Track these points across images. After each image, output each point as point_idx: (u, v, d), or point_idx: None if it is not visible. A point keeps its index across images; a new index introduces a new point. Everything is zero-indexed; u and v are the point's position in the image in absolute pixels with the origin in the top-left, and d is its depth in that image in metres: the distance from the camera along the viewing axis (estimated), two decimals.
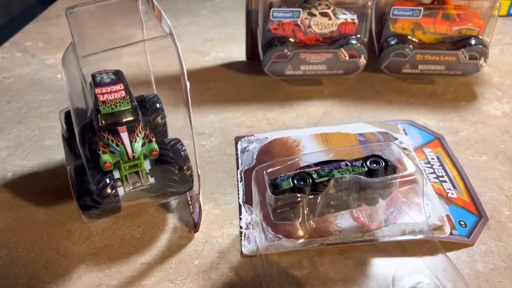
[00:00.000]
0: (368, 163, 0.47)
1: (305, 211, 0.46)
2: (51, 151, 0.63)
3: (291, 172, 0.46)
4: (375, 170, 0.46)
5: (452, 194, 0.55)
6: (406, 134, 0.64)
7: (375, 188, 0.47)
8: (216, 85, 0.78)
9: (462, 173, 0.58)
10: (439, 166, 0.59)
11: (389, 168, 0.47)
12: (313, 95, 0.76)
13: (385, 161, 0.47)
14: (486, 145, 0.65)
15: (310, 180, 0.45)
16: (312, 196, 0.45)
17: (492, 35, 0.76)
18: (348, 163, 0.47)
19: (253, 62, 0.83)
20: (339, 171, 0.46)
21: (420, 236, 0.49)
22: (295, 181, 0.45)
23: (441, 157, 0.60)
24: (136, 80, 0.66)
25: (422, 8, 0.72)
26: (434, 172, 0.58)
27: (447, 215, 0.52)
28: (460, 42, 0.75)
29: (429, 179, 0.57)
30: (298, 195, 0.44)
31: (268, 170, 0.47)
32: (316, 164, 0.47)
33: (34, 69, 0.82)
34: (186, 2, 1.09)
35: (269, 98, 0.75)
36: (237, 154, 0.62)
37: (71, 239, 0.50)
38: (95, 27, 0.65)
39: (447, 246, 0.49)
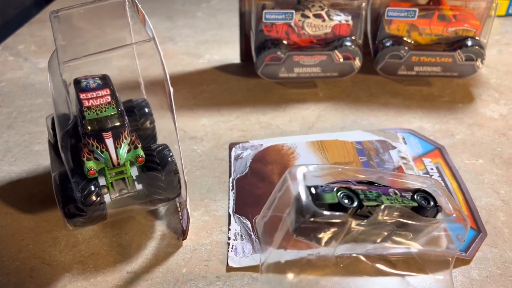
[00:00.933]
0: (417, 197, 0.42)
1: (337, 237, 0.40)
2: (40, 156, 0.62)
3: (333, 184, 0.39)
4: (424, 209, 0.42)
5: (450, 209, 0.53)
6: (405, 143, 0.63)
7: (415, 229, 0.43)
8: (209, 88, 0.77)
9: (462, 185, 0.56)
10: (439, 177, 0.57)
11: (436, 208, 0.43)
12: (308, 97, 0.75)
13: (434, 200, 0.43)
14: (482, 148, 0.64)
15: (357, 201, 0.38)
16: (361, 222, 0.38)
17: (489, 36, 0.75)
18: (397, 192, 0.42)
19: (247, 65, 0.82)
20: (388, 199, 0.40)
21: (414, 250, 0.47)
22: (341, 197, 0.38)
23: (441, 168, 0.59)
24: (128, 84, 0.65)
25: (417, 9, 0.71)
26: (430, 187, 0.56)
27: (444, 229, 0.50)
28: (456, 43, 0.74)
29: None
30: (348, 217, 0.37)
31: (303, 171, 0.40)
32: (359, 183, 0.41)
33: (26, 73, 0.82)
34: (182, 4, 1.08)
35: (263, 101, 0.74)
36: (230, 161, 0.61)
37: (57, 247, 0.49)
38: (82, 30, 0.65)
39: (442, 260, 0.47)
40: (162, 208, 0.53)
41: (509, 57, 0.86)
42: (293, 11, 0.71)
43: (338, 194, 0.39)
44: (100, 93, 0.48)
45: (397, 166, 0.58)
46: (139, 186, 0.48)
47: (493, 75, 0.80)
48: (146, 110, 0.55)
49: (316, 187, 0.39)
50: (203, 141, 0.65)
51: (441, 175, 0.57)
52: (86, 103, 0.47)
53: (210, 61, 0.85)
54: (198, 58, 0.86)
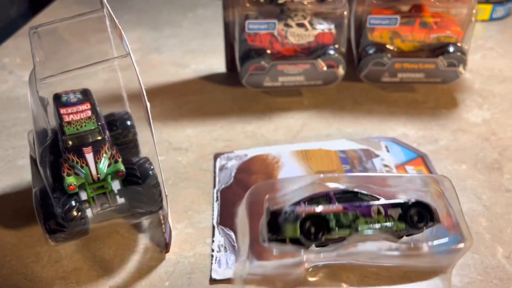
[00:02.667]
0: (410, 213, 0.37)
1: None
2: (23, 171, 0.62)
3: (301, 207, 0.35)
4: (415, 229, 0.37)
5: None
6: (388, 151, 0.63)
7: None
8: (194, 98, 0.77)
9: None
10: None
11: (433, 219, 0.38)
12: (293, 106, 0.75)
13: (431, 212, 0.38)
14: (465, 153, 0.64)
15: (324, 232, 0.34)
16: (322, 256, 0.35)
17: (470, 41, 0.75)
18: (382, 210, 0.36)
19: (233, 74, 0.82)
20: (366, 222, 0.35)
21: (396, 254, 0.48)
22: (305, 227, 0.34)
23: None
24: (113, 96, 0.65)
25: (398, 17, 0.72)
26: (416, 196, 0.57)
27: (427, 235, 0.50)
28: (438, 49, 0.75)
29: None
30: (303, 254, 0.35)
31: (271, 196, 0.37)
32: (338, 195, 0.37)
33: (11, 86, 0.82)
34: (168, 14, 1.09)
35: (248, 110, 0.74)
36: (215, 172, 0.61)
37: (40, 263, 0.49)
38: (66, 44, 0.65)
39: (425, 268, 0.48)
40: (145, 221, 0.53)
41: (492, 61, 0.87)
42: (276, 21, 0.71)
43: (305, 224, 0.34)
44: (81, 107, 0.48)
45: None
46: (121, 200, 0.48)
47: (477, 80, 0.81)
48: (128, 123, 0.55)
49: (278, 213, 0.35)
50: (188, 152, 0.65)
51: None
52: (66, 118, 0.47)
53: (196, 71, 0.85)
54: (184, 68, 0.86)
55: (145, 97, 0.41)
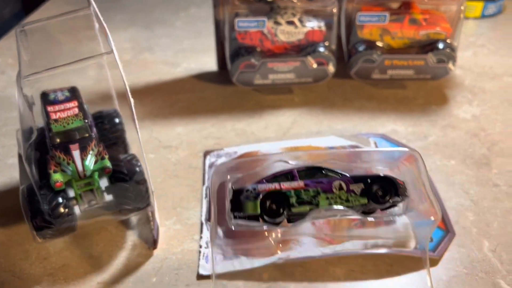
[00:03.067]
0: (372, 190, 0.36)
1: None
2: (13, 170, 0.62)
3: (263, 185, 0.36)
4: (378, 204, 0.36)
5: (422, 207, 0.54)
6: (377, 147, 0.63)
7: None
8: (186, 97, 0.78)
9: (432, 187, 0.57)
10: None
11: (398, 194, 0.37)
12: (283, 103, 0.75)
13: (395, 187, 0.37)
14: (454, 149, 0.64)
15: (285, 209, 0.35)
16: (281, 231, 0.36)
17: (459, 38, 0.76)
18: (344, 185, 0.36)
19: (224, 72, 0.82)
20: (327, 197, 0.35)
21: (382, 251, 0.48)
22: (266, 205, 0.35)
23: (412, 172, 0.59)
24: (104, 93, 0.65)
25: (387, 14, 0.72)
26: None
27: (412, 229, 0.51)
28: (428, 46, 0.75)
29: None
30: (265, 228, 0.35)
31: (233, 175, 0.37)
32: (300, 172, 0.37)
33: (2, 87, 0.82)
34: (161, 13, 1.09)
35: (239, 108, 0.74)
36: (204, 169, 0.61)
37: (28, 260, 0.49)
38: (56, 41, 0.65)
39: (411, 260, 0.48)
40: (134, 218, 0.53)
41: (483, 58, 0.87)
42: (265, 19, 0.71)
43: (265, 202, 0.35)
44: (68, 105, 0.48)
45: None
46: (109, 197, 0.48)
47: (467, 77, 0.81)
48: (117, 120, 0.55)
49: (241, 192, 0.36)
50: (178, 150, 0.65)
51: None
52: (53, 116, 0.47)
53: (187, 70, 0.85)
54: (176, 67, 0.87)
55: (129, 94, 0.41)
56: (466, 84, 0.79)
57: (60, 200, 0.45)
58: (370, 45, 0.75)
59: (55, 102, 0.48)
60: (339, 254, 0.48)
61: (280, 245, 0.44)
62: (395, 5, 0.77)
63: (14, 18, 1.19)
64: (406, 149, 0.38)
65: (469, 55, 0.88)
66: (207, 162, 0.62)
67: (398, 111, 0.73)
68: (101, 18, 0.43)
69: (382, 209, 0.39)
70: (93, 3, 0.47)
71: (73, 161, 0.45)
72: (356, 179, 0.36)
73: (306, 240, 0.49)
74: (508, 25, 0.99)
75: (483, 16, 1.02)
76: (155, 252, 0.50)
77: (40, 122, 0.49)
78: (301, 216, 0.35)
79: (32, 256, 0.50)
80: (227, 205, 0.36)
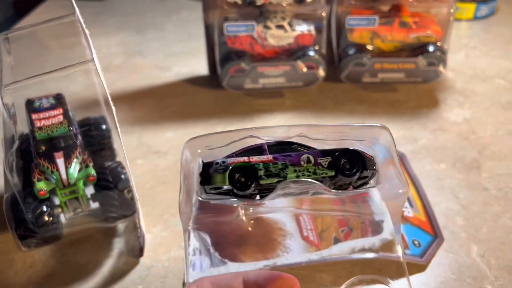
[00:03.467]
0: (340, 163, 0.36)
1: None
2: None
3: (232, 158, 0.36)
4: (346, 177, 0.36)
5: (408, 212, 0.54)
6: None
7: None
8: (176, 101, 0.77)
9: (421, 192, 0.57)
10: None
11: (367, 164, 0.37)
12: (274, 107, 0.75)
13: (363, 160, 0.36)
14: (444, 153, 0.64)
15: (253, 181, 0.35)
16: (248, 204, 0.37)
17: (450, 40, 0.76)
18: (312, 158, 0.36)
19: (215, 76, 0.82)
20: (295, 170, 0.35)
21: (370, 255, 0.48)
22: (235, 177, 0.35)
23: None
24: (93, 100, 0.65)
25: (377, 17, 0.72)
26: None
27: (400, 234, 0.51)
28: (418, 49, 0.75)
29: None
30: (233, 202, 0.35)
31: (204, 150, 0.36)
32: (270, 147, 0.37)
33: None
34: (152, 17, 1.09)
35: (230, 112, 0.74)
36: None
37: (13, 269, 0.49)
38: (41, 49, 0.65)
39: (400, 265, 0.47)
40: (121, 225, 0.53)
41: (475, 60, 0.87)
42: (254, 23, 0.71)
43: (234, 174, 0.35)
44: (53, 113, 0.48)
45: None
46: (95, 205, 0.48)
47: (459, 79, 0.81)
48: (104, 127, 0.55)
49: (210, 165, 0.36)
50: (167, 155, 0.65)
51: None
52: (37, 124, 0.47)
53: (178, 74, 0.85)
54: (166, 71, 0.86)
55: (111, 102, 0.41)
56: (457, 86, 0.79)
57: (44, 208, 0.45)
58: (360, 48, 0.75)
59: (39, 109, 0.48)
60: (326, 260, 0.47)
61: (252, 222, 0.44)
62: (385, 8, 0.77)
63: (7, 22, 1.19)
64: (376, 123, 0.38)
65: (461, 57, 0.88)
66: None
67: (389, 114, 0.72)
68: (84, 26, 0.43)
69: (354, 186, 0.39)
70: (77, 10, 0.47)
71: (57, 169, 0.44)
72: (324, 153, 0.36)
73: (293, 246, 0.49)
74: (500, 26, 0.99)
75: (475, 18, 1.02)
76: (142, 260, 0.49)
77: (25, 129, 0.49)
78: (271, 190, 0.35)
79: (17, 265, 0.49)
80: (196, 179, 0.36)
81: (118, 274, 0.48)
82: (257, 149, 0.37)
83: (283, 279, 0.32)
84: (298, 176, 0.35)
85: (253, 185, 0.35)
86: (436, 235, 0.51)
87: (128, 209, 0.48)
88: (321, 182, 0.37)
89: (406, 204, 0.55)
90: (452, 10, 0.72)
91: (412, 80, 0.76)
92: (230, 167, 0.35)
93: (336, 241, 0.50)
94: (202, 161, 0.36)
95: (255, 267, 0.47)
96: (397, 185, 0.37)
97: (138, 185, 0.57)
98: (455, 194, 0.57)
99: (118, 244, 0.51)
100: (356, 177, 0.36)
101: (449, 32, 0.75)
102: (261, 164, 0.35)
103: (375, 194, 0.55)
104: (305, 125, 0.38)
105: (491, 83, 0.80)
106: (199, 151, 0.37)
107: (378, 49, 0.76)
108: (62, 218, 0.47)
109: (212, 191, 0.36)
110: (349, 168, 0.36)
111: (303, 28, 0.73)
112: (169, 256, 0.50)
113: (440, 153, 0.64)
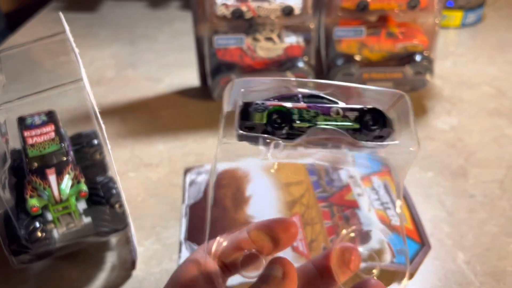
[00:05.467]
0: (365, 118, 0.39)
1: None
2: None
3: (271, 101, 0.39)
4: (368, 131, 0.39)
5: (396, 221, 0.55)
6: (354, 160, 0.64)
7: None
8: (167, 113, 0.78)
9: (408, 200, 0.58)
10: (385, 193, 0.59)
11: (386, 126, 0.39)
12: None
13: (385, 119, 0.39)
14: (432, 161, 0.65)
15: (288, 124, 0.38)
16: (282, 145, 0.38)
17: (436, 49, 0.77)
18: (340, 111, 0.39)
19: (206, 88, 0.83)
20: (325, 119, 0.39)
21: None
22: (272, 118, 0.37)
23: (388, 185, 0.60)
24: (86, 114, 0.66)
25: (364, 28, 0.73)
26: (379, 199, 0.58)
27: (387, 243, 0.52)
28: (406, 58, 0.76)
29: (373, 206, 0.57)
30: (267, 140, 0.37)
31: (246, 91, 0.39)
32: (305, 97, 0.40)
33: None
34: (145, 28, 1.10)
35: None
36: (184, 187, 0.62)
37: (8, 284, 0.50)
38: (33, 65, 0.66)
39: (385, 274, 0.48)
40: (113, 239, 0.54)
41: (462, 68, 0.89)
42: (243, 36, 0.72)
43: (272, 114, 0.38)
44: (44, 129, 0.49)
45: (345, 185, 0.60)
46: (87, 219, 0.49)
47: (447, 87, 0.83)
48: (95, 141, 0.55)
49: (250, 104, 0.38)
50: (159, 168, 0.66)
51: (387, 192, 0.59)
52: (29, 141, 0.47)
53: (170, 86, 0.86)
54: (158, 82, 0.87)
55: (100, 120, 0.42)
56: (445, 94, 0.81)
57: (37, 224, 0.46)
58: (349, 58, 0.76)
59: (31, 126, 0.49)
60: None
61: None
62: (372, 19, 0.78)
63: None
64: (396, 90, 0.42)
65: (449, 65, 0.90)
66: (188, 180, 0.63)
67: None
68: (73, 45, 0.44)
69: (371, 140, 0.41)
70: (67, 29, 0.48)
71: (49, 186, 0.45)
72: (352, 108, 0.39)
73: (285, 255, 0.50)
74: (487, 33, 1.01)
75: (463, 25, 1.04)
76: (134, 273, 0.50)
77: (17, 145, 0.50)
78: (301, 133, 0.38)
79: (12, 280, 0.50)
80: (236, 115, 0.38)
81: (111, 287, 0.49)
82: (293, 97, 0.40)
83: (286, 221, 0.39)
84: (327, 124, 0.38)
85: (287, 127, 0.37)
86: (423, 243, 0.52)
87: (120, 223, 0.49)
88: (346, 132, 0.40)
89: (393, 212, 0.56)
90: (437, 20, 0.73)
91: (400, 89, 0.77)
92: (269, 109, 0.38)
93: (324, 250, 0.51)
94: (243, 101, 0.38)
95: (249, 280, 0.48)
96: (408, 143, 0.40)
97: (130, 197, 0.58)
98: (442, 201, 0.58)
99: (111, 258, 0.52)
100: (377, 133, 0.39)
101: (435, 41, 0.76)
102: (295, 110, 0.38)
103: (363, 202, 0.56)
104: (338, 83, 0.42)
105: (478, 90, 0.81)
106: (242, 90, 0.39)
107: (366, 59, 0.77)
108: (55, 233, 0.48)
109: (246, 130, 0.38)
110: (372, 124, 0.39)
111: (292, 39, 0.75)
112: (161, 268, 0.50)
113: (427, 161, 0.65)
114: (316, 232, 0.54)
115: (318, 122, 0.38)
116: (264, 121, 0.37)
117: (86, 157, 0.54)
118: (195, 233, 0.54)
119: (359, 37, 0.74)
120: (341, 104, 0.40)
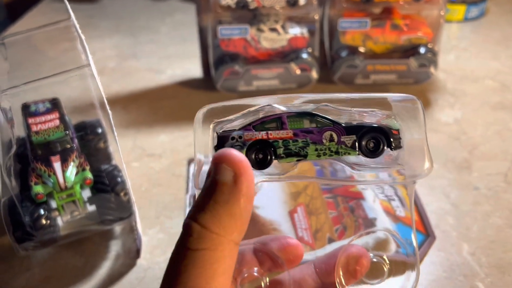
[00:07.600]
0: (365, 140, 0.34)
1: None
2: None
3: (250, 132, 0.33)
4: (369, 157, 0.34)
5: (400, 212, 0.55)
6: None
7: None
8: (170, 104, 0.78)
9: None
10: (390, 186, 0.58)
11: (392, 143, 0.34)
12: None
13: (388, 138, 0.34)
14: (436, 153, 0.65)
15: (272, 158, 0.33)
16: (265, 180, 0.33)
17: (440, 42, 0.77)
18: (335, 136, 0.34)
19: (209, 79, 0.83)
20: (316, 149, 0.34)
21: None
22: (251, 154, 0.32)
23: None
24: (90, 103, 0.65)
25: (368, 20, 0.73)
26: (382, 192, 0.58)
27: (392, 233, 0.51)
28: (410, 51, 0.76)
29: (377, 197, 0.57)
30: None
31: (220, 120, 0.35)
32: (292, 119, 0.34)
33: None
34: (146, 20, 1.09)
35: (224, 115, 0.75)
36: (188, 177, 0.62)
37: (11, 272, 0.49)
38: (36, 53, 0.65)
39: (394, 264, 0.48)
40: (117, 227, 0.54)
41: (465, 61, 0.88)
42: (248, 26, 0.72)
43: (251, 150, 0.33)
44: (49, 117, 0.48)
45: (349, 175, 0.59)
46: (91, 207, 0.49)
47: (450, 80, 0.82)
48: (99, 130, 0.55)
49: (226, 138, 0.33)
50: (162, 158, 0.65)
51: (392, 185, 0.59)
52: (34, 128, 0.47)
53: (172, 76, 0.85)
54: (160, 73, 0.87)
55: (107, 106, 0.42)
56: (448, 87, 0.80)
57: (42, 212, 0.45)
58: (353, 50, 0.76)
59: (36, 113, 0.48)
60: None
61: None
62: (376, 11, 0.78)
63: (0, 25, 1.18)
64: (407, 95, 0.36)
65: (452, 59, 0.89)
66: (191, 170, 0.63)
67: None
68: (79, 31, 0.43)
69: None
70: (73, 15, 0.47)
71: (54, 173, 0.45)
72: (348, 129, 0.34)
73: None
74: (490, 27, 1.01)
75: (466, 19, 1.03)
76: (138, 261, 0.50)
77: (21, 133, 0.49)
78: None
79: (15, 268, 0.50)
80: (211, 152, 0.34)
81: (115, 276, 0.48)
82: (276, 120, 0.34)
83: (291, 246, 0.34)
84: (319, 156, 0.33)
85: (271, 164, 0.33)
86: (428, 234, 0.52)
87: (125, 211, 0.48)
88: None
89: (398, 204, 0.56)
90: (442, 12, 0.73)
91: (404, 82, 0.77)
92: (248, 144, 0.33)
93: (330, 241, 0.51)
94: (217, 133, 0.34)
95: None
96: (420, 161, 0.36)
97: (133, 187, 0.57)
98: (446, 193, 0.58)
99: (115, 247, 0.52)
100: (379, 158, 0.35)
101: (440, 34, 0.76)
102: (280, 141, 0.33)
103: (368, 194, 0.56)
104: (331, 94, 0.36)
105: (481, 84, 0.81)
106: (214, 121, 0.35)
107: (370, 51, 0.77)
108: (59, 221, 0.48)
109: None
110: (373, 146, 0.34)
111: (296, 31, 0.74)
112: (166, 257, 0.50)
113: (432, 153, 0.65)
114: (321, 222, 0.54)
115: (309, 154, 0.33)
116: None
117: (90, 146, 0.54)
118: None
119: (363, 28, 0.74)
120: (336, 124, 0.35)
